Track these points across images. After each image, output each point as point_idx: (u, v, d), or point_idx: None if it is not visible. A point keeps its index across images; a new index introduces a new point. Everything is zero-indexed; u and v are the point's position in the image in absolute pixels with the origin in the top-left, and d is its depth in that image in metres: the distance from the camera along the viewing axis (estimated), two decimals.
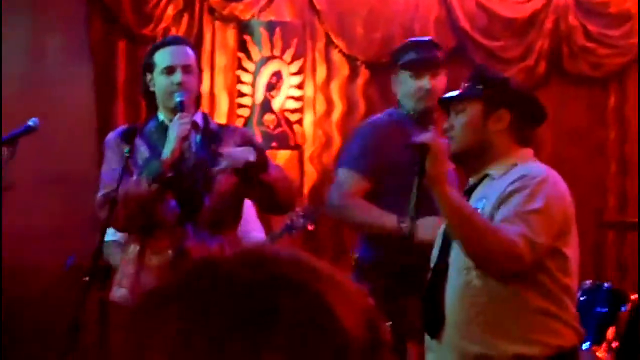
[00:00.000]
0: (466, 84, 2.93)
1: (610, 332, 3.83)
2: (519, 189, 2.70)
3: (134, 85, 4.64)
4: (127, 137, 3.23)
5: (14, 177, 3.50)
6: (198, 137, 3.34)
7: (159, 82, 3.34)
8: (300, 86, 5.18)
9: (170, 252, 3.19)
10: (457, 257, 2.78)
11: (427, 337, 2.90)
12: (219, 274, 0.84)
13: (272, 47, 5.12)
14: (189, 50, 3.42)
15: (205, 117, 3.45)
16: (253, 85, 5.12)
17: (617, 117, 5.45)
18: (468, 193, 2.87)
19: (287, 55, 5.14)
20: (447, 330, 2.79)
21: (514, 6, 5.40)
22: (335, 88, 5.30)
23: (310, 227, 4.16)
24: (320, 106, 5.29)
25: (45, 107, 4.50)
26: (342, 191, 3.61)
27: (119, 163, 3.23)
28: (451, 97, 2.95)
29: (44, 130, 3.65)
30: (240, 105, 5.13)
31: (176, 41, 3.52)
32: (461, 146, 2.84)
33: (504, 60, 5.31)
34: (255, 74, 5.11)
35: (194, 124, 3.32)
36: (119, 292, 3.31)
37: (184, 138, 3.21)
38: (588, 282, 4.01)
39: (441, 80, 3.69)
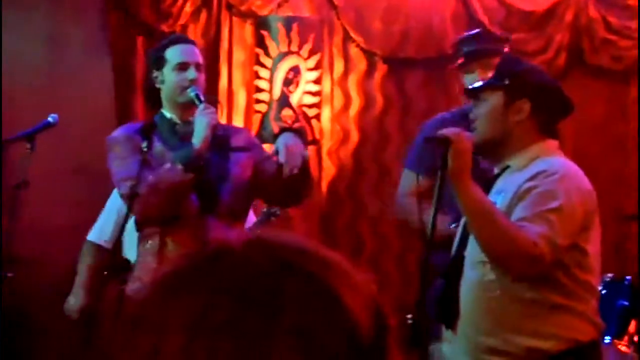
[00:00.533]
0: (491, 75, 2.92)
1: (632, 325, 3.80)
2: (537, 185, 2.66)
3: None
4: (145, 133, 3.22)
5: (34, 169, 3.51)
6: None
7: (169, 78, 3.35)
8: (317, 81, 5.18)
9: (193, 243, 3.20)
10: (472, 250, 2.76)
11: (443, 328, 2.89)
12: (233, 259, 0.86)
13: (290, 42, 5.12)
14: (198, 50, 3.46)
15: None
16: (271, 80, 5.12)
17: (638, 110, 5.40)
18: (490, 184, 2.84)
19: (305, 51, 5.14)
20: (461, 322, 2.79)
21: (533, 0, 5.37)
22: (352, 83, 5.30)
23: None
24: (338, 101, 5.29)
25: (65, 100, 4.53)
26: (402, 191, 3.63)
27: (133, 157, 3.23)
28: (475, 88, 2.93)
29: (63, 123, 3.66)
30: (258, 101, 5.14)
31: (186, 40, 3.56)
32: (482, 137, 2.81)
33: (523, 53, 5.26)
34: (272, 70, 5.11)
35: None
36: (140, 286, 3.26)
37: (215, 126, 3.26)
38: (609, 275, 3.99)
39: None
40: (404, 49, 5.29)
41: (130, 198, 3.15)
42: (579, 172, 2.78)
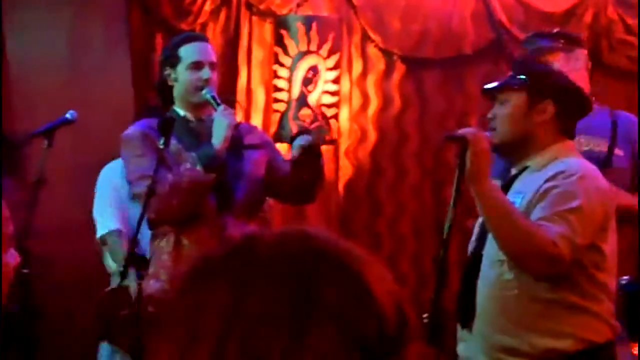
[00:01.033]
0: (509, 74, 2.90)
1: None
2: (557, 185, 2.66)
3: None
4: (162, 129, 3.18)
5: (52, 166, 3.53)
6: None
7: (183, 76, 3.35)
8: (336, 81, 5.18)
9: (211, 241, 3.21)
10: (490, 249, 2.76)
11: (458, 327, 2.89)
12: (266, 248, 0.88)
13: (309, 41, 5.12)
14: (212, 48, 3.46)
15: None
16: (290, 80, 5.13)
17: None
18: (508, 184, 2.84)
19: (324, 50, 5.14)
20: (477, 320, 2.79)
21: (552, 1, 5.35)
22: (371, 83, 5.30)
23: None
24: (356, 101, 5.29)
25: (85, 98, 4.55)
26: None
27: (149, 155, 3.21)
28: (495, 87, 2.91)
29: (82, 121, 3.68)
30: (277, 100, 5.14)
31: (201, 37, 3.54)
32: (504, 137, 2.80)
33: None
34: (291, 69, 5.12)
35: None
36: (156, 285, 3.25)
37: (235, 127, 3.27)
38: (626, 277, 3.96)
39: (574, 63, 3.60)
40: (422, 48, 5.28)
41: (147, 197, 3.11)
42: (597, 173, 2.78)
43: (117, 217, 3.78)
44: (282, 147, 4.76)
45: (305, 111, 5.13)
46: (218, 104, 3.30)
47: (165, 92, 3.43)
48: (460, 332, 2.87)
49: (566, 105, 2.84)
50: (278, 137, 4.93)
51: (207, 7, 5.02)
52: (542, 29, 4.02)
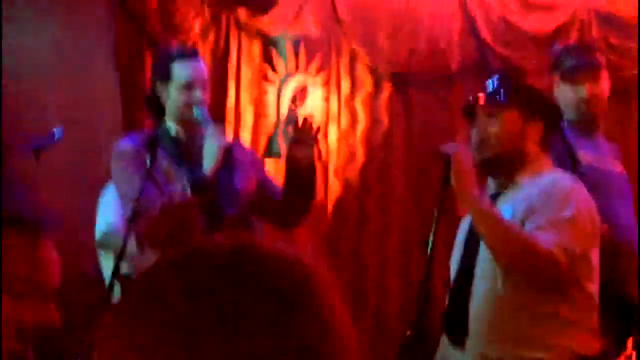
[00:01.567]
0: (493, 89, 2.90)
1: (630, 342, 3.80)
2: (549, 197, 2.69)
3: None
4: (150, 147, 3.17)
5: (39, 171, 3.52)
6: None
7: (174, 95, 3.34)
8: (324, 100, 5.21)
9: None
10: (482, 264, 2.76)
11: (442, 342, 2.89)
12: (208, 257, 0.88)
13: (297, 60, 5.16)
14: (203, 65, 3.43)
15: None
16: (278, 98, 5.15)
17: (638, 129, 5.40)
18: (494, 199, 2.84)
19: (312, 69, 5.18)
20: (469, 336, 2.78)
21: (537, 21, 5.40)
22: (359, 102, 5.33)
23: None
24: (345, 120, 5.31)
25: (72, 110, 4.52)
26: None
27: (138, 174, 3.18)
28: (485, 105, 2.89)
29: (70, 133, 3.66)
30: (265, 118, 5.16)
31: (193, 54, 3.46)
32: (495, 152, 2.81)
33: (528, 72, 5.29)
34: (280, 87, 5.15)
35: None
36: None
37: (227, 149, 3.27)
38: None
39: (602, 83, 3.59)
40: (409, 65, 5.32)
41: (132, 220, 3.09)
42: (583, 186, 2.81)
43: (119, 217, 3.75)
44: (270, 163, 4.80)
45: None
46: (209, 124, 3.29)
47: (156, 105, 3.43)
48: (449, 350, 2.87)
49: (550, 122, 2.89)
50: (267, 155, 4.95)
51: (197, 24, 5.03)
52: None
